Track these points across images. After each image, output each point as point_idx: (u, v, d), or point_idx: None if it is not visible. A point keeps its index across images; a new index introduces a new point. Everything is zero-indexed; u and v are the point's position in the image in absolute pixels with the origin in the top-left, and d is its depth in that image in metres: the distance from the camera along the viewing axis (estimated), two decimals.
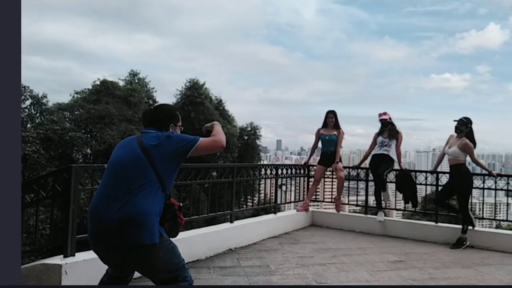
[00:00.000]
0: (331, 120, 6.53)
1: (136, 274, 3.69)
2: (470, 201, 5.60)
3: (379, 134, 6.30)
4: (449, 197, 5.78)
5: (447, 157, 5.63)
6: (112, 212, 2.15)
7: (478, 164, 5.75)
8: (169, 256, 2.37)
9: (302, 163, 7.04)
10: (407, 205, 6.63)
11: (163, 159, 2.29)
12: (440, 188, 5.87)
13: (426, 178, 6.01)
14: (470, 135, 5.47)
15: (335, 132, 6.51)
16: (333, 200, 6.77)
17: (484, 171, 5.71)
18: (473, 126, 5.52)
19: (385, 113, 6.30)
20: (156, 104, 2.64)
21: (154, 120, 2.50)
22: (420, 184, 6.05)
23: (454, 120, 5.58)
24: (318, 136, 6.61)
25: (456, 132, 5.56)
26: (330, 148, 6.53)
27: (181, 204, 2.44)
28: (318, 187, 6.87)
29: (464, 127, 5.48)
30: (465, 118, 5.54)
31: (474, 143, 5.47)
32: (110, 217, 2.16)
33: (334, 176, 6.65)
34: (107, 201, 2.21)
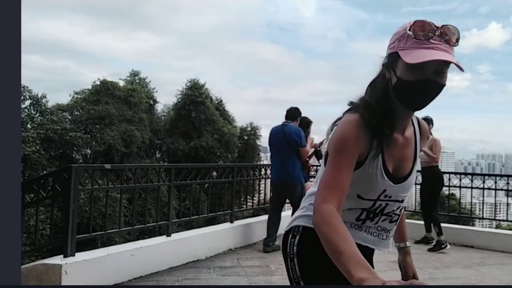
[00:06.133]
0: None
1: (136, 274, 3.72)
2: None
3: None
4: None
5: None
6: (285, 170, 4.86)
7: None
8: (302, 191, 4.75)
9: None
10: None
11: (292, 142, 4.82)
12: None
13: None
14: None
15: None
16: None
17: (484, 172, 5.68)
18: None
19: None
20: (293, 106, 5.11)
21: (291, 114, 5.04)
22: (420, 184, 6.05)
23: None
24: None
25: None
26: None
27: (307, 159, 5.08)
28: None
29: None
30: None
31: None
32: (284, 171, 4.87)
33: None
34: (280, 165, 4.91)
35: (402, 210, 1.38)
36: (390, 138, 1.20)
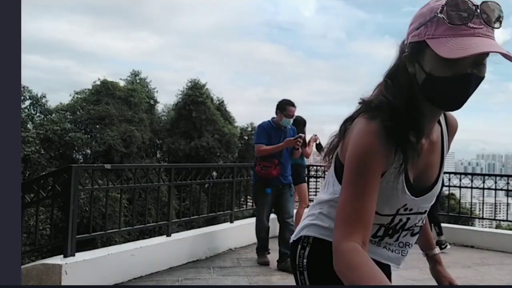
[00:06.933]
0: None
1: (136, 274, 3.72)
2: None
3: None
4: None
5: None
6: None
7: None
8: (255, 196, 4.47)
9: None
10: None
11: None
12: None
13: None
14: None
15: None
16: None
17: (484, 172, 5.71)
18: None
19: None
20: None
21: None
22: None
23: None
24: None
25: None
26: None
27: (261, 166, 4.17)
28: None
29: None
30: None
31: None
32: None
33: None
34: None
35: (425, 220, 1.19)
36: (417, 148, 0.97)
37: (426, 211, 1.12)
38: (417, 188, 1.03)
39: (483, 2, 0.86)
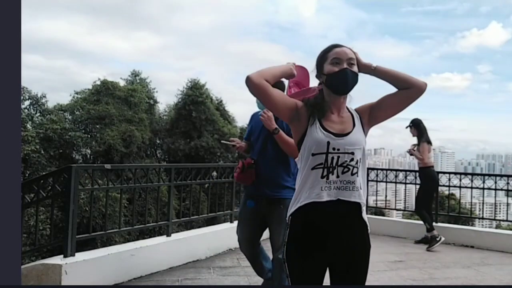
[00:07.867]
0: None
1: (136, 274, 3.72)
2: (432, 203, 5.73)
3: None
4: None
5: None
6: None
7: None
8: None
9: None
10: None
11: None
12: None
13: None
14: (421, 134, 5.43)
15: None
16: None
17: (484, 172, 5.72)
18: (424, 123, 5.48)
19: None
20: None
21: None
22: (417, 184, 6.05)
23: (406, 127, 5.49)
24: None
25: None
26: None
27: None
28: None
29: (411, 129, 5.46)
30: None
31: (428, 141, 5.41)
32: None
33: None
34: None
35: (360, 164, 1.68)
36: (319, 111, 1.71)
37: (353, 152, 1.65)
38: (336, 134, 1.66)
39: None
